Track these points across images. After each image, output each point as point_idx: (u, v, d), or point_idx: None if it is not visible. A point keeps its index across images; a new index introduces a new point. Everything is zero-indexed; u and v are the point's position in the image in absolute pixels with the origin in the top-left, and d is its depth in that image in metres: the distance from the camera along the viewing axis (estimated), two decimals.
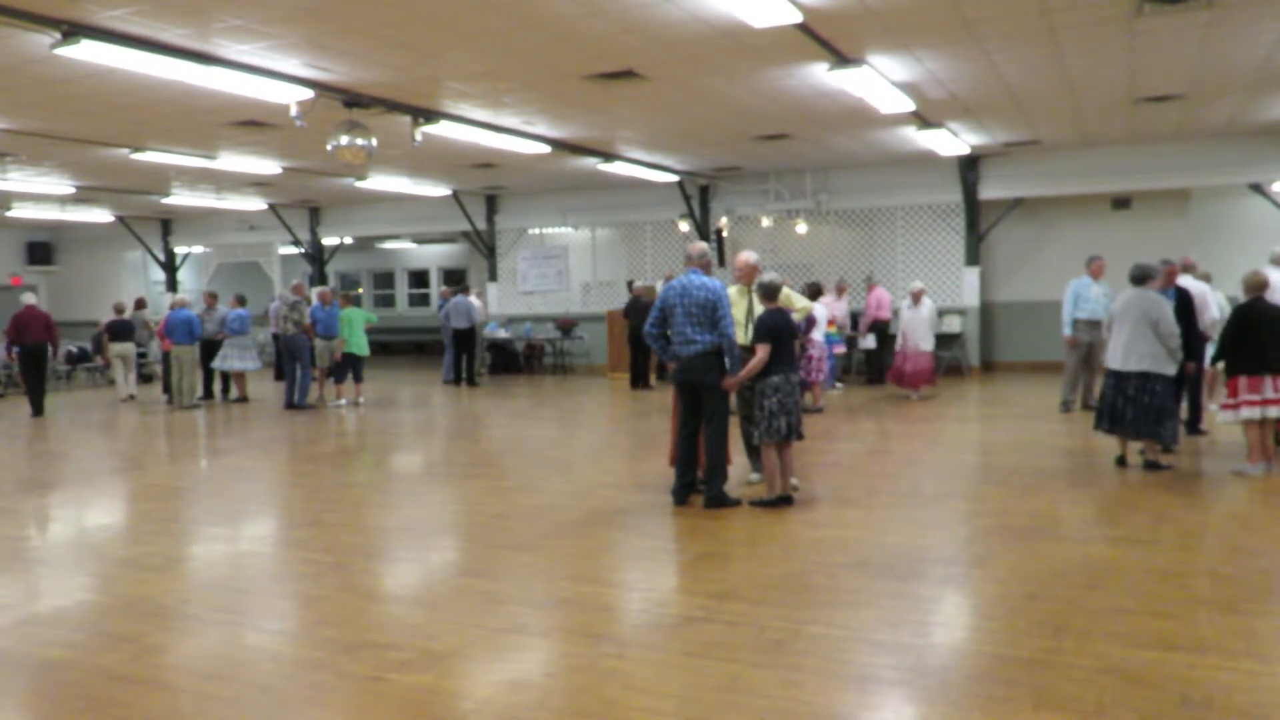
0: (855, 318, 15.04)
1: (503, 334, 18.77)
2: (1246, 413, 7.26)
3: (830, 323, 12.81)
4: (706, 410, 6.73)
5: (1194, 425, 8.16)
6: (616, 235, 18.82)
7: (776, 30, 7.58)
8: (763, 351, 6.53)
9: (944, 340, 15.89)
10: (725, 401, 6.76)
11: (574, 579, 5.26)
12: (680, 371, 6.75)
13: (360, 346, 13.90)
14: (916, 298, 12.62)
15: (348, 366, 13.94)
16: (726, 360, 6.64)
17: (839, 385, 14.15)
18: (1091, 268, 11.03)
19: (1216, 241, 14.57)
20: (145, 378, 18.37)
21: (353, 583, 5.31)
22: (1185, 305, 8.14)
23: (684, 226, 17.55)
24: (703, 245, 6.98)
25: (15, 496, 7.94)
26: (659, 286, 15.48)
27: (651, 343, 6.97)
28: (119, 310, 15.71)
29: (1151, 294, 7.57)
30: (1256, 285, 7.38)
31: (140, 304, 17.37)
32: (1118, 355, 7.57)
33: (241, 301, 14.61)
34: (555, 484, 7.86)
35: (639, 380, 15.48)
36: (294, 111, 9.02)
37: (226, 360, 14.34)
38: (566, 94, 9.91)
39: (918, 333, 12.46)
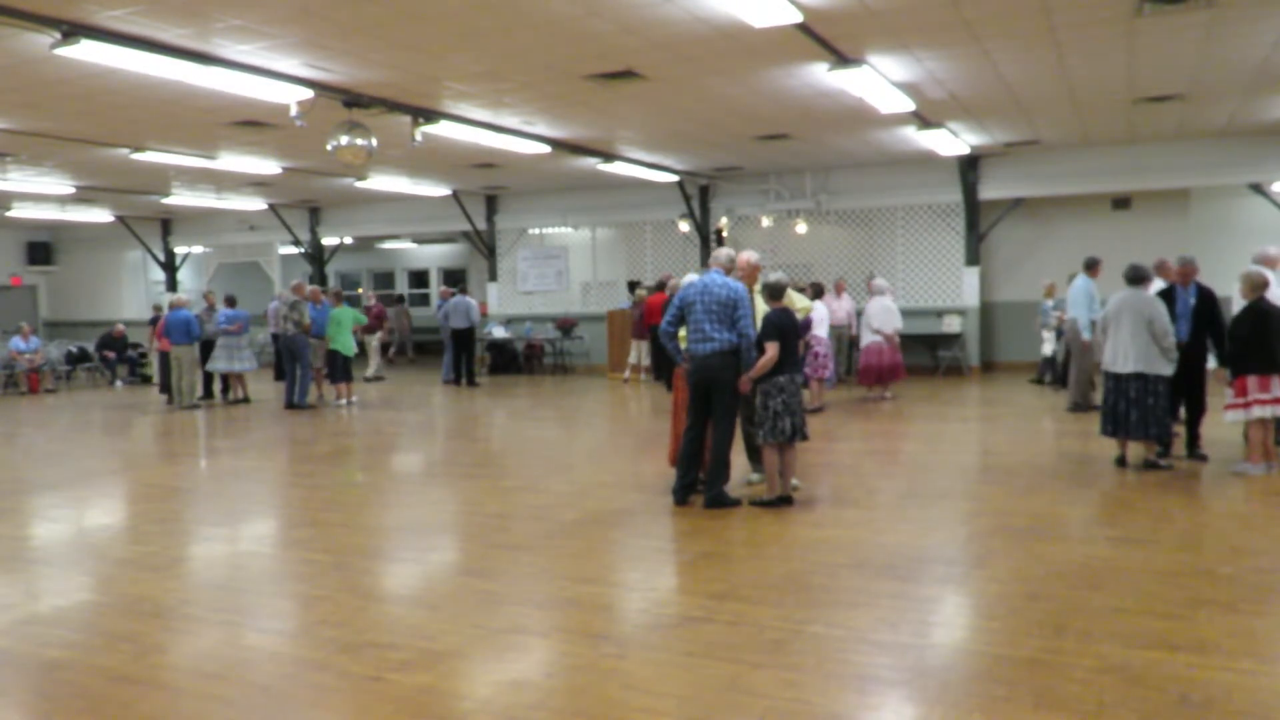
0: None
1: (502, 334, 18.76)
2: (1259, 411, 7.25)
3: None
4: (717, 410, 6.72)
5: (1193, 445, 8.11)
6: (616, 235, 18.82)
7: (776, 30, 7.58)
8: (772, 350, 6.53)
9: (944, 340, 15.94)
10: (736, 402, 6.74)
11: (574, 579, 5.25)
12: (695, 370, 6.74)
13: (345, 346, 13.80)
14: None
15: (337, 366, 13.93)
16: (743, 361, 6.62)
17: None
18: (1096, 269, 11.03)
19: (1216, 241, 14.57)
20: (145, 378, 18.39)
21: (353, 583, 5.30)
22: (1208, 304, 8.03)
23: (684, 226, 17.55)
24: (728, 250, 7.00)
25: (15, 496, 7.94)
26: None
27: (666, 341, 6.91)
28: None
29: (1145, 294, 7.57)
30: (1259, 285, 7.36)
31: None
32: (1117, 358, 7.57)
33: (231, 302, 14.52)
34: (555, 484, 7.86)
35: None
36: (294, 111, 9.02)
37: (215, 362, 14.31)
38: (566, 94, 9.91)
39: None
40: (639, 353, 16.40)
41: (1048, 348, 13.79)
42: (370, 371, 17.71)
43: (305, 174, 15.49)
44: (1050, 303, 13.57)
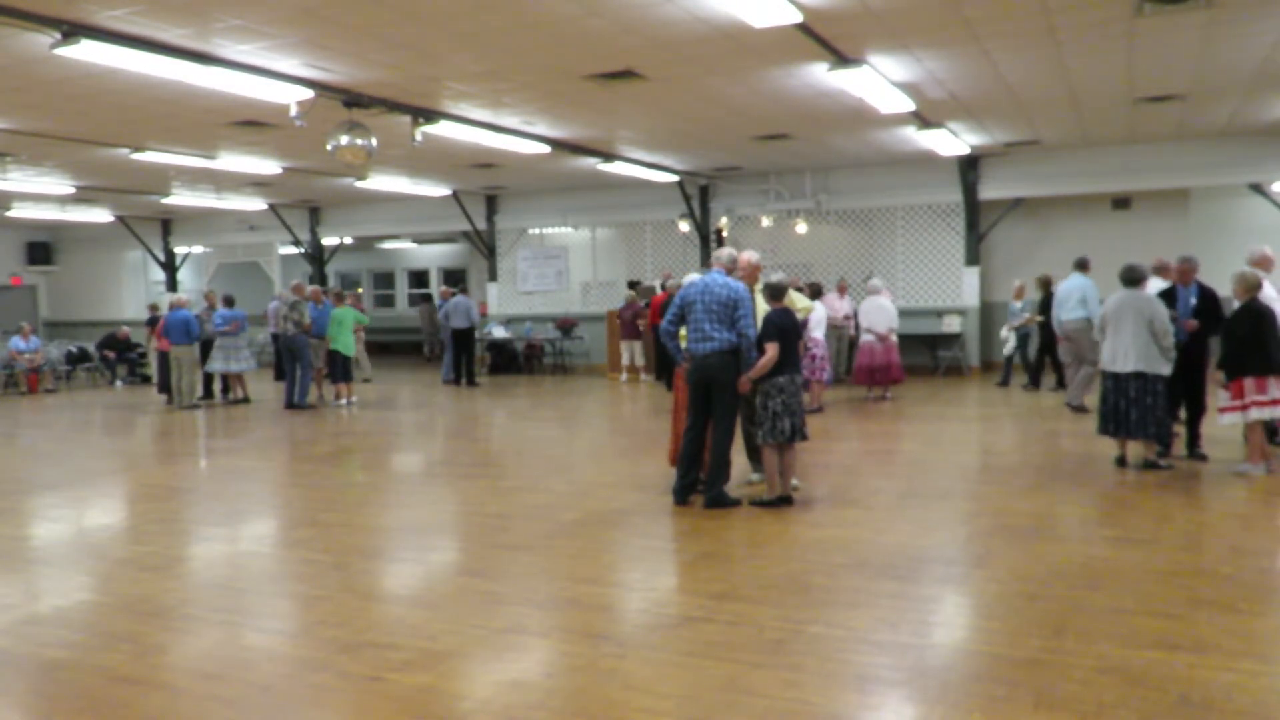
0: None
1: (502, 334, 18.76)
2: (1255, 413, 7.24)
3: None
4: (717, 409, 6.72)
5: (1193, 445, 8.11)
6: (616, 235, 18.82)
7: (776, 30, 7.58)
8: (772, 350, 6.53)
9: (944, 340, 15.95)
10: (737, 401, 6.73)
11: (574, 579, 5.26)
12: (694, 370, 6.74)
13: (346, 346, 13.84)
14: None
15: (337, 366, 13.93)
16: (743, 361, 6.61)
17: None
18: (1087, 268, 11.09)
19: (1216, 241, 14.56)
20: (144, 378, 18.38)
21: (353, 583, 5.31)
22: (1210, 304, 8.01)
23: (684, 226, 17.55)
24: (730, 250, 7.00)
25: (15, 496, 7.94)
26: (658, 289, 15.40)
27: (667, 341, 6.90)
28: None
29: (1145, 294, 7.57)
30: (1253, 286, 7.36)
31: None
32: (1117, 357, 7.57)
33: (229, 302, 14.50)
34: (555, 484, 7.86)
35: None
36: (294, 111, 9.02)
37: (212, 363, 14.29)
38: (566, 94, 9.91)
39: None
40: (631, 352, 16.43)
41: (1008, 348, 13.90)
42: (366, 373, 17.75)
43: (305, 174, 15.49)
44: (1019, 304, 13.67)
